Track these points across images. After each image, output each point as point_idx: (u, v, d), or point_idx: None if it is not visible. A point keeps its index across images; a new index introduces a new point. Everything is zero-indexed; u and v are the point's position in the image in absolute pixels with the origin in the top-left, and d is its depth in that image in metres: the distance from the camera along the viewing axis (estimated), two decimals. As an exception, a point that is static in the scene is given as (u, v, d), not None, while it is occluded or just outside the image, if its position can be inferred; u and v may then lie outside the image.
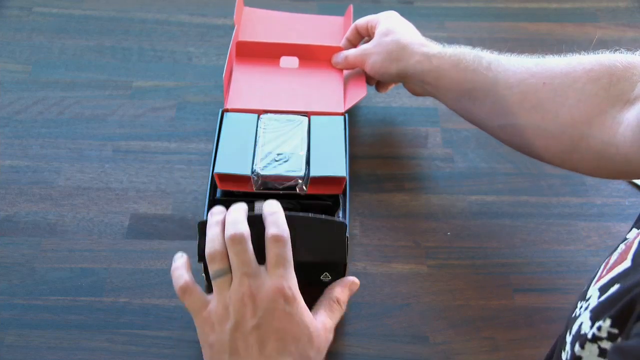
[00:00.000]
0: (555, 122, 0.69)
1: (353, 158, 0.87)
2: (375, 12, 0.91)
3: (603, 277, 0.45)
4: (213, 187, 0.78)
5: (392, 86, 0.93)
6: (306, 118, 0.83)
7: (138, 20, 1.08)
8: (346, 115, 0.84)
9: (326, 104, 0.85)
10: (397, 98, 0.98)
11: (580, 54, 0.73)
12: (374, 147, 0.92)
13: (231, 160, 0.77)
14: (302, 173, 0.75)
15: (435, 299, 0.77)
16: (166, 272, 0.78)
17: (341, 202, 0.77)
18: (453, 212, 0.85)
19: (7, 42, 1.03)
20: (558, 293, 0.78)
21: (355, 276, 0.79)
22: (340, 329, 0.74)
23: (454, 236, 0.83)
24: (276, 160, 0.77)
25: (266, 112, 0.84)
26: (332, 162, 0.77)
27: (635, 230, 0.50)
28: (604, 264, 0.47)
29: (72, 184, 0.86)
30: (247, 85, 0.88)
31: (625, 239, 0.49)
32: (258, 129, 0.81)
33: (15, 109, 0.94)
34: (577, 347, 0.42)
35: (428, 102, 0.98)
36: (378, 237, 0.83)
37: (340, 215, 0.76)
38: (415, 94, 0.86)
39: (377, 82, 0.91)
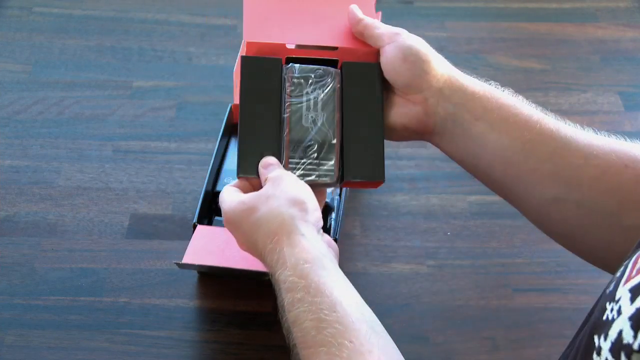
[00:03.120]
0: (632, 215, 0.58)
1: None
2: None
3: (633, 277, 0.43)
4: (209, 189, 0.78)
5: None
6: (338, 73, 0.68)
7: (138, 20, 1.08)
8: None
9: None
10: (397, 98, 0.98)
11: None
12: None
13: (255, 155, 0.66)
14: (334, 179, 0.66)
15: (435, 299, 0.77)
16: (166, 272, 0.78)
17: (335, 203, 0.77)
18: (453, 212, 0.85)
19: (7, 42, 1.03)
20: (558, 293, 0.78)
21: (355, 276, 0.79)
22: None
23: (454, 236, 0.83)
24: (305, 158, 0.66)
25: (290, 57, 0.70)
26: (371, 159, 0.67)
27: None
28: (631, 263, 0.45)
29: (72, 184, 0.86)
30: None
31: None
32: (284, 90, 0.67)
33: (15, 109, 0.94)
34: (623, 358, 0.41)
35: (428, 102, 0.98)
36: (378, 237, 0.83)
37: (334, 216, 0.76)
38: (413, 123, 0.66)
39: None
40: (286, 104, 0.66)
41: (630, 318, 0.41)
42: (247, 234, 0.60)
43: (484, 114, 0.63)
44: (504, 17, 1.12)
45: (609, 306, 0.44)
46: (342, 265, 0.78)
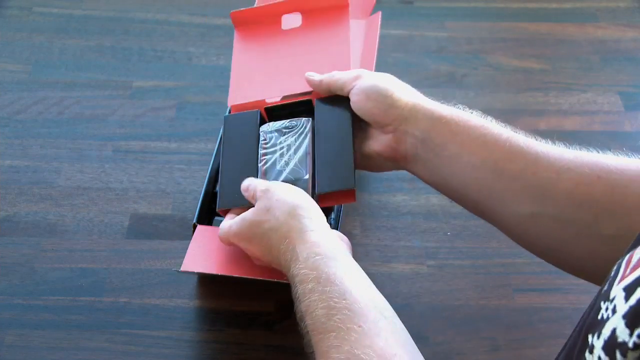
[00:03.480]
0: (610, 225, 0.58)
1: (353, 158, 0.87)
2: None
3: (627, 276, 0.43)
4: (209, 189, 0.78)
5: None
6: (309, 120, 0.74)
7: (138, 20, 1.08)
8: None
9: None
10: (397, 98, 0.98)
11: None
12: (374, 147, 0.92)
13: (234, 190, 0.70)
14: None
15: (435, 299, 0.77)
16: (166, 272, 0.78)
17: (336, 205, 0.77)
18: (453, 212, 0.85)
19: (7, 42, 1.03)
20: (558, 293, 0.78)
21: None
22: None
23: (454, 236, 0.83)
24: None
25: (268, 105, 0.76)
26: (341, 171, 0.69)
27: None
28: (625, 262, 0.45)
29: (72, 184, 0.86)
30: (248, 71, 0.80)
31: None
32: (260, 145, 0.73)
33: (15, 109, 0.94)
34: (618, 356, 0.41)
35: (428, 102, 0.98)
36: (378, 237, 0.83)
37: (333, 216, 0.76)
38: (389, 152, 0.68)
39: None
40: (261, 157, 0.72)
41: (624, 316, 0.41)
42: (261, 242, 0.64)
43: (452, 137, 0.64)
44: (504, 17, 1.12)
45: (603, 305, 0.44)
46: (342, 265, 0.79)
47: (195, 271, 0.73)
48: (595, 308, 0.45)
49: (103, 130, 0.92)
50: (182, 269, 0.69)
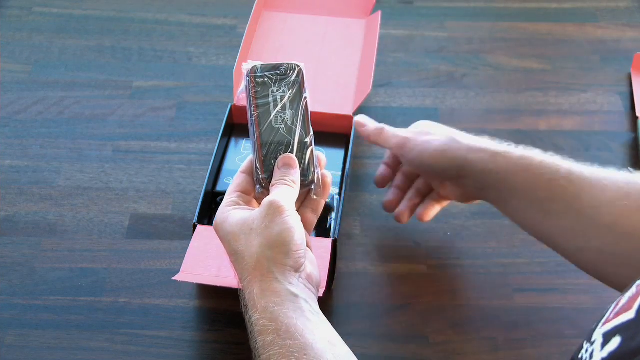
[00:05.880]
0: None
1: (353, 158, 0.87)
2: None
3: (609, 321, 0.43)
4: (209, 189, 0.78)
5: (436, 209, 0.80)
6: (301, 67, 0.65)
7: (138, 20, 1.08)
8: (354, 117, 0.84)
9: (334, 101, 0.79)
10: (396, 98, 0.98)
11: None
12: (374, 147, 0.92)
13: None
14: (310, 178, 0.63)
15: (435, 299, 0.77)
16: (166, 272, 0.78)
17: (335, 203, 0.77)
18: (453, 212, 0.85)
19: (7, 42, 1.03)
20: (558, 293, 0.78)
21: (355, 276, 0.79)
22: (340, 328, 0.74)
23: (454, 236, 0.83)
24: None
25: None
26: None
27: None
28: (614, 304, 0.45)
29: (72, 184, 0.86)
30: None
31: None
32: (249, 92, 0.64)
33: (15, 109, 0.94)
34: None
35: (428, 102, 0.98)
36: (378, 237, 0.83)
37: (333, 216, 0.76)
38: (462, 198, 0.76)
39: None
40: (253, 106, 0.64)
41: None
42: (228, 253, 0.60)
43: (499, 185, 0.69)
44: (504, 17, 1.12)
45: (585, 345, 0.44)
46: (342, 265, 0.79)
47: (192, 282, 0.73)
48: (580, 345, 0.45)
49: (103, 130, 0.92)
50: (178, 277, 0.69)
